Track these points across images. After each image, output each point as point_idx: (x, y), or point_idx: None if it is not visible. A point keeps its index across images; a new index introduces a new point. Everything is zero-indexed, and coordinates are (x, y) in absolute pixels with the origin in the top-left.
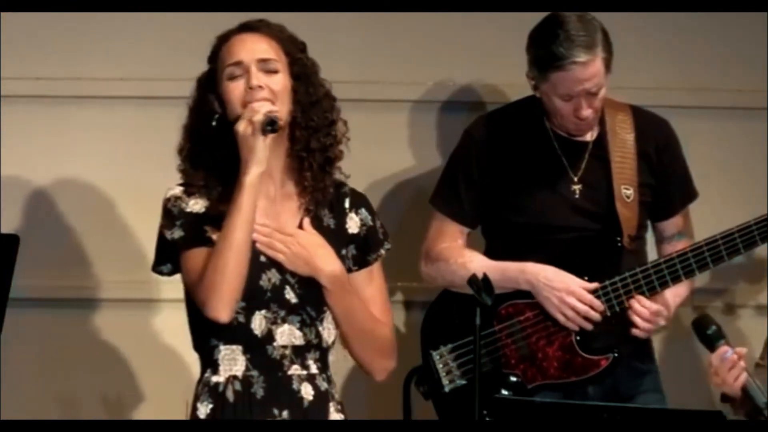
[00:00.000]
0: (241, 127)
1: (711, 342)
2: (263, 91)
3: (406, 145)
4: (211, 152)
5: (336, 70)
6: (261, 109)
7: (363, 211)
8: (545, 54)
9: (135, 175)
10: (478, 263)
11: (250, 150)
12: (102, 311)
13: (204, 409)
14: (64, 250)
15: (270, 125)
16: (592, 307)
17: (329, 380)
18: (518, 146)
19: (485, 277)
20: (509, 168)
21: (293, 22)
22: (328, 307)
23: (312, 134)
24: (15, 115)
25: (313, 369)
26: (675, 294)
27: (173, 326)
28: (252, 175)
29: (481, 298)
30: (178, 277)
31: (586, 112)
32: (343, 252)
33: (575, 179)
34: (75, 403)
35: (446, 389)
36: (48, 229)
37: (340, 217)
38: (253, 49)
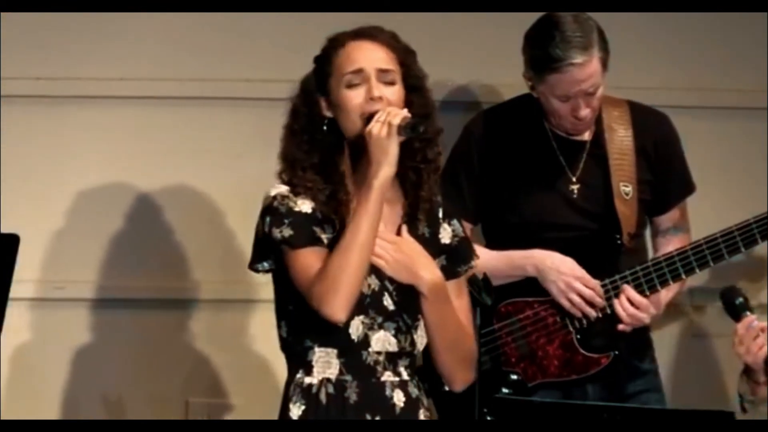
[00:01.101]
0: (376, 129)
1: (738, 312)
2: (382, 102)
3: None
4: (318, 155)
5: None
6: (400, 113)
7: (455, 222)
8: (542, 56)
9: (135, 175)
10: (483, 255)
11: (383, 152)
12: (102, 311)
13: (297, 410)
14: (63, 250)
15: (412, 129)
16: (596, 294)
17: (419, 386)
18: (517, 144)
19: (485, 277)
20: (508, 166)
21: (292, 21)
22: (422, 315)
23: (428, 145)
24: (15, 115)
25: (405, 375)
26: (667, 289)
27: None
28: (383, 177)
29: (481, 298)
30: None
31: (584, 112)
32: (436, 262)
33: (573, 179)
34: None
35: (447, 387)
36: (47, 229)
37: (434, 226)
38: (373, 58)
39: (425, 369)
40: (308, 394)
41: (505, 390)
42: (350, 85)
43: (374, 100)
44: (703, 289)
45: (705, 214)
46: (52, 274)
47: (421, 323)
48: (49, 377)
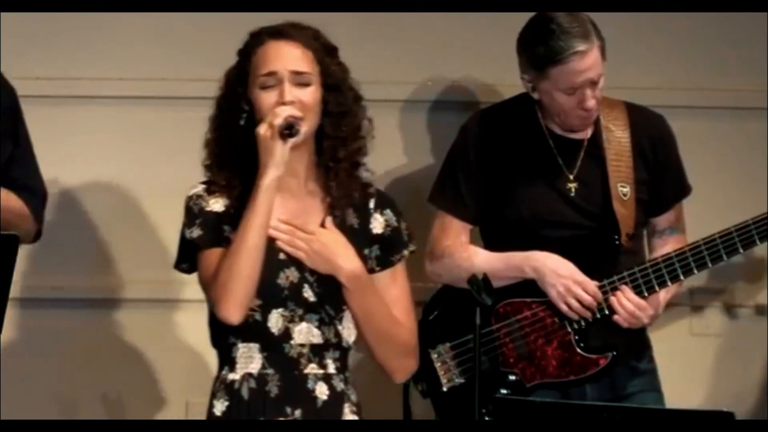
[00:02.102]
0: (262, 130)
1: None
2: (294, 105)
3: (399, 144)
4: (235, 150)
5: None
6: (282, 114)
7: (388, 211)
8: (544, 50)
9: (135, 175)
10: (482, 256)
11: (269, 153)
12: (102, 311)
13: (220, 407)
14: (62, 250)
15: (288, 129)
16: (595, 299)
17: (347, 381)
18: (514, 143)
19: (485, 277)
20: (505, 164)
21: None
22: (347, 307)
23: (340, 144)
24: None
25: (331, 369)
26: (666, 290)
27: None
28: (269, 178)
29: (481, 298)
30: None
31: (591, 102)
32: (366, 252)
33: (571, 177)
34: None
35: (444, 388)
36: (47, 229)
37: (365, 217)
38: (288, 59)
39: (422, 370)
40: (231, 390)
41: (503, 390)
42: (264, 87)
43: (286, 104)
44: (703, 289)
45: (704, 213)
46: (51, 274)
47: (348, 315)
48: (49, 377)
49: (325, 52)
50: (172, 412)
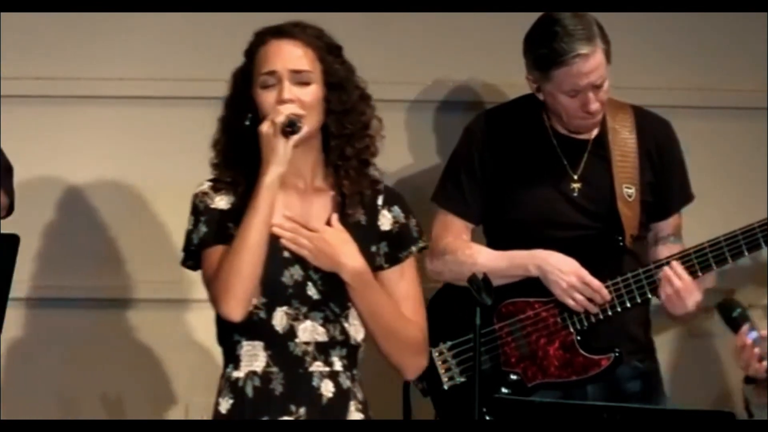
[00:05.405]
0: (265, 127)
1: (736, 324)
2: (294, 104)
3: (404, 144)
4: (242, 149)
5: None
6: (284, 111)
7: (396, 208)
8: (547, 52)
9: (135, 175)
10: (485, 254)
11: (271, 151)
12: (102, 311)
13: (225, 405)
14: (61, 250)
15: (290, 127)
16: (600, 295)
17: (354, 378)
18: (518, 143)
19: (485, 277)
20: (508, 164)
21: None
22: (352, 304)
23: (347, 142)
24: (15, 115)
25: (337, 366)
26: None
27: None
28: (271, 176)
29: (481, 298)
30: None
31: (594, 106)
32: (374, 249)
33: (575, 177)
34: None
35: (445, 386)
36: (47, 229)
37: (372, 213)
38: (288, 58)
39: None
40: (235, 388)
41: (504, 390)
42: (265, 86)
43: (285, 102)
44: (710, 290)
45: (705, 213)
46: (52, 274)
47: (353, 312)
48: (49, 377)
49: (327, 51)
50: (173, 412)
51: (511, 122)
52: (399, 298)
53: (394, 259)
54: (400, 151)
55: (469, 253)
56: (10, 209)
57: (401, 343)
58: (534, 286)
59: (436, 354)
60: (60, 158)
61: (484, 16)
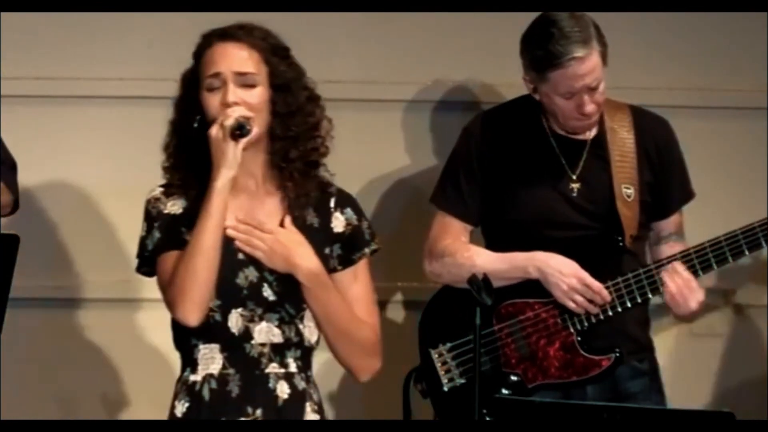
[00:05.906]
0: (213, 131)
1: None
2: (239, 107)
3: (402, 144)
4: (191, 152)
5: (332, 70)
6: (233, 114)
7: (348, 210)
8: (543, 54)
9: (135, 175)
10: (484, 256)
11: (221, 154)
12: (97, 311)
13: (181, 408)
14: (64, 250)
15: (239, 129)
16: (600, 297)
17: (308, 380)
18: (516, 144)
19: (485, 277)
20: (507, 165)
21: (290, 21)
22: (307, 306)
23: (291, 144)
24: (15, 115)
25: (292, 368)
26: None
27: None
28: (222, 180)
29: (481, 298)
30: None
31: (590, 108)
32: (327, 251)
33: (574, 177)
34: (72, 402)
35: (445, 388)
36: (47, 229)
37: (325, 216)
38: (233, 61)
39: (422, 369)
40: (192, 391)
41: (504, 391)
42: (210, 89)
43: (229, 105)
44: (711, 290)
45: (705, 213)
46: (53, 274)
47: (308, 314)
48: (49, 377)
49: (272, 53)
50: (158, 411)
51: (509, 123)
52: (352, 299)
53: (347, 261)
54: (398, 151)
55: (468, 255)
56: (15, 206)
57: (355, 345)
58: (533, 287)
59: (436, 356)
60: (59, 158)
61: (483, 16)
